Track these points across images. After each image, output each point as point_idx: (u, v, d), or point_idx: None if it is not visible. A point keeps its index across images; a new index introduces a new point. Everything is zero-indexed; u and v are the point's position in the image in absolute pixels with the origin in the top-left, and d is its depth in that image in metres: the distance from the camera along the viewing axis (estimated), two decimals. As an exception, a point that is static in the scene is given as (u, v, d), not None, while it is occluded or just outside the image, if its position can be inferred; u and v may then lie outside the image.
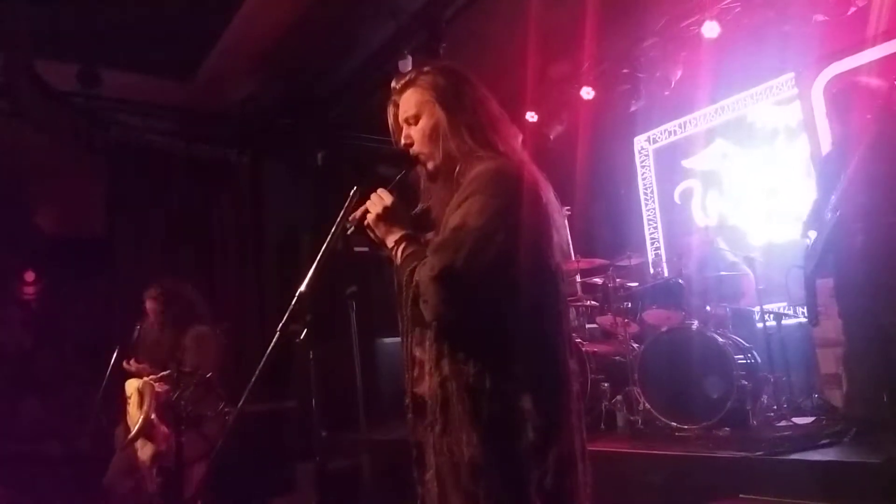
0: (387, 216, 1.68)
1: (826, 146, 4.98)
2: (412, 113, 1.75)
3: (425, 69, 1.80)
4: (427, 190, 1.81)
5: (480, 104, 1.75)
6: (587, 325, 5.49)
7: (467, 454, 1.52)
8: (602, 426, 4.65)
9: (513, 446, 1.51)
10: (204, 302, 4.41)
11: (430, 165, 1.75)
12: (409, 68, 5.31)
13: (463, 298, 1.53)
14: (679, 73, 5.76)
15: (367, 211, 1.70)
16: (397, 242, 1.66)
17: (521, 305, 1.56)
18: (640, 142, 6.85)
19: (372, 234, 1.72)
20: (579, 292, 5.46)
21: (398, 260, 1.65)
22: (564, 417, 1.59)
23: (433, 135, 1.72)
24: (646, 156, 6.83)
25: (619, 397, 4.75)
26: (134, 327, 4.14)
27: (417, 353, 1.66)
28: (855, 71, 4.89)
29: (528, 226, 1.57)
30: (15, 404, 5.69)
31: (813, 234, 3.64)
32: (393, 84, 1.83)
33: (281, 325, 1.67)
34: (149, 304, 4.22)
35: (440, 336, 1.59)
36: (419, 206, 1.83)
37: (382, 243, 1.70)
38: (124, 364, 3.89)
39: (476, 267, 1.50)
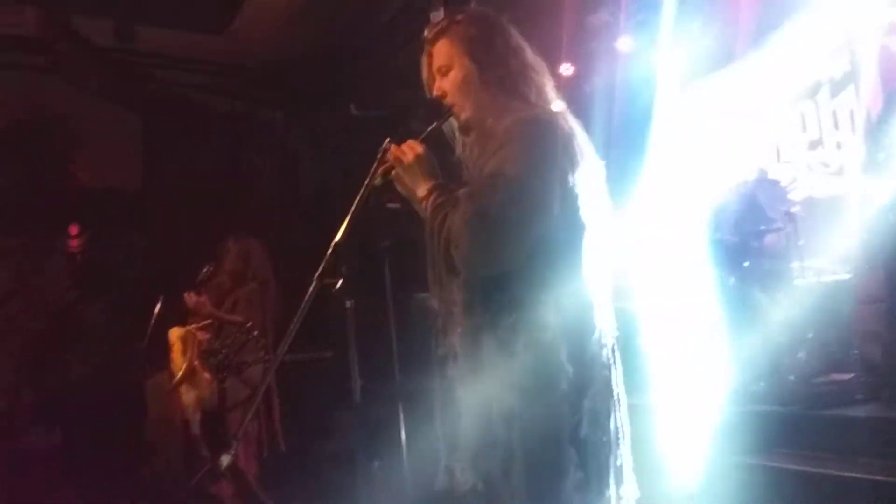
0: (417, 166, 1.66)
1: (875, 97, 4.80)
2: (443, 63, 1.74)
3: (458, 17, 1.76)
4: (461, 143, 1.79)
5: (513, 53, 1.72)
6: (620, 280, 5.46)
7: (499, 404, 1.51)
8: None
9: (547, 397, 1.50)
10: (269, 262, 4.54)
11: (462, 117, 1.73)
12: (443, 19, 5.23)
13: (496, 244, 1.50)
14: (720, 23, 5.57)
15: (399, 162, 1.69)
16: (428, 192, 1.64)
17: (554, 255, 1.54)
18: (678, 93, 6.68)
19: (403, 186, 1.71)
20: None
21: (429, 209, 1.62)
22: (597, 370, 1.58)
23: (464, 87, 1.70)
24: (685, 108, 6.66)
25: (653, 351, 4.74)
26: (202, 267, 4.15)
27: (447, 302, 1.64)
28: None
29: (562, 176, 1.55)
30: (63, 354, 5.90)
31: None
32: (425, 33, 1.80)
33: (317, 274, 1.69)
34: (227, 256, 4.35)
35: (471, 284, 1.56)
36: (453, 158, 1.82)
37: (413, 194, 1.69)
38: (185, 295, 4.00)
39: (511, 213, 1.48)
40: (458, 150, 1.81)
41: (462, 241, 1.51)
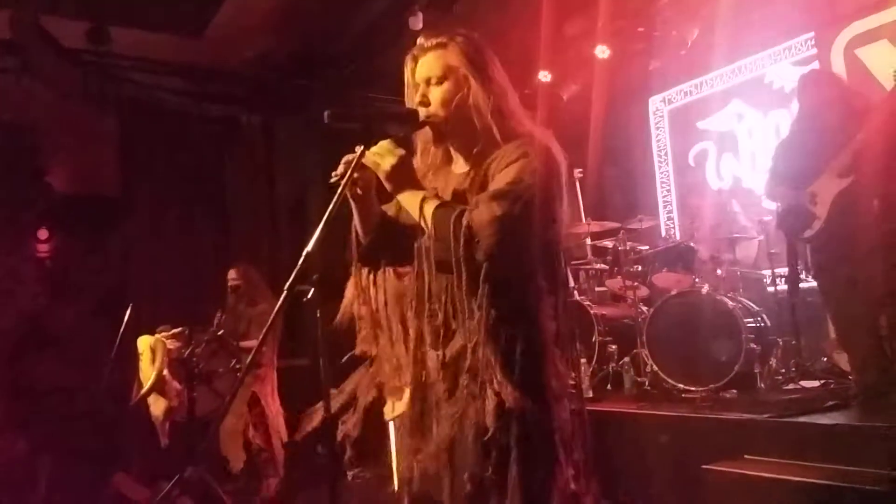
0: (403, 169, 1.72)
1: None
2: (438, 74, 1.78)
3: (457, 36, 1.83)
4: (425, 150, 1.88)
5: (505, 82, 1.82)
6: (596, 288, 5.49)
7: (495, 399, 1.57)
8: (608, 387, 4.69)
9: (542, 396, 1.62)
10: (265, 283, 4.82)
11: (442, 129, 1.79)
12: (420, 26, 5.23)
13: (516, 245, 1.60)
14: (696, 32, 5.64)
15: (379, 165, 1.71)
16: (425, 197, 1.70)
17: (553, 263, 1.71)
18: (655, 102, 6.75)
19: (398, 180, 1.73)
20: (589, 255, 5.44)
21: (428, 211, 1.67)
22: (574, 373, 1.73)
23: (459, 102, 1.77)
24: (661, 117, 6.73)
25: (626, 359, 4.78)
26: (214, 316, 4.35)
27: (449, 300, 1.69)
28: (877, 31, 4.77)
29: (556, 195, 1.71)
30: (32, 360, 5.78)
31: None
32: (421, 41, 1.85)
33: (288, 284, 1.69)
34: (232, 281, 4.66)
35: (484, 281, 1.61)
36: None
37: (411, 188, 1.73)
38: (166, 340, 4.02)
39: (531, 219, 1.61)
40: (423, 157, 1.89)
41: (485, 237, 1.58)
